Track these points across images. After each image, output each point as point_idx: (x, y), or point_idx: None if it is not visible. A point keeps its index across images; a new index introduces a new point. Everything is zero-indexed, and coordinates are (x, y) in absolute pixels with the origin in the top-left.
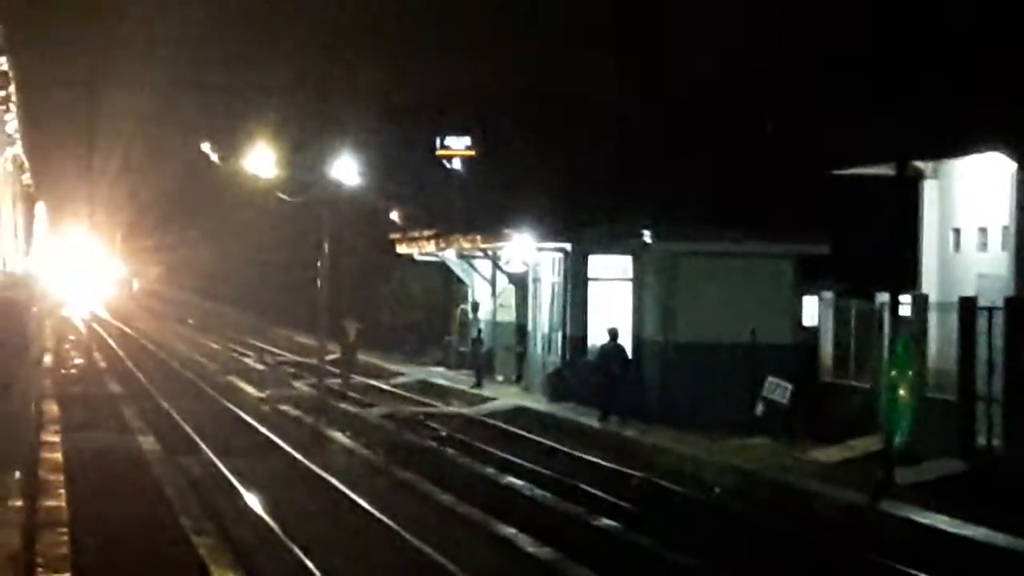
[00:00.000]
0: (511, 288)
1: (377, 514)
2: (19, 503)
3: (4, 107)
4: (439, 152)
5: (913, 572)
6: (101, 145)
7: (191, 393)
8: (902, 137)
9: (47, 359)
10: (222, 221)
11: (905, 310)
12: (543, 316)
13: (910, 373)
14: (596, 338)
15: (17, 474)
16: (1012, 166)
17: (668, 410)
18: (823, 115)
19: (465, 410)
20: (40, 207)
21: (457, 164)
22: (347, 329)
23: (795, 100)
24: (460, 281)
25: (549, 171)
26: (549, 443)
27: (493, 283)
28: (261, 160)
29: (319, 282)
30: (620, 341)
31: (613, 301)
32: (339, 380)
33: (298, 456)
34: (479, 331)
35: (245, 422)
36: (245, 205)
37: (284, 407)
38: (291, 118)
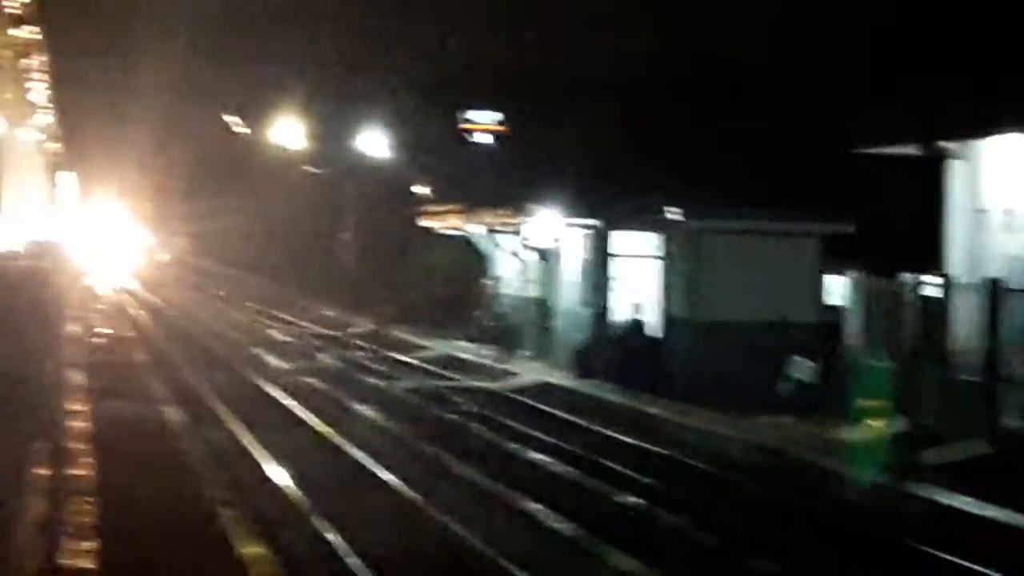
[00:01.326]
0: (537, 263)
1: (400, 486)
2: (45, 471)
3: (35, 76)
4: (461, 126)
5: (937, 553)
6: (131, 115)
7: (216, 363)
8: (928, 116)
9: (74, 328)
10: (251, 192)
11: (931, 290)
12: (569, 292)
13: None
14: (622, 314)
15: (43, 442)
16: None
17: (693, 388)
18: (849, 93)
19: (490, 385)
20: (70, 177)
21: (488, 139)
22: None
23: (822, 78)
24: (486, 256)
25: (576, 147)
26: (574, 419)
27: (519, 258)
28: (289, 132)
29: (343, 256)
30: (640, 317)
31: (640, 278)
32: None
33: (322, 428)
34: (505, 306)
35: (269, 394)
36: (274, 176)
37: (309, 379)
38: (319, 91)
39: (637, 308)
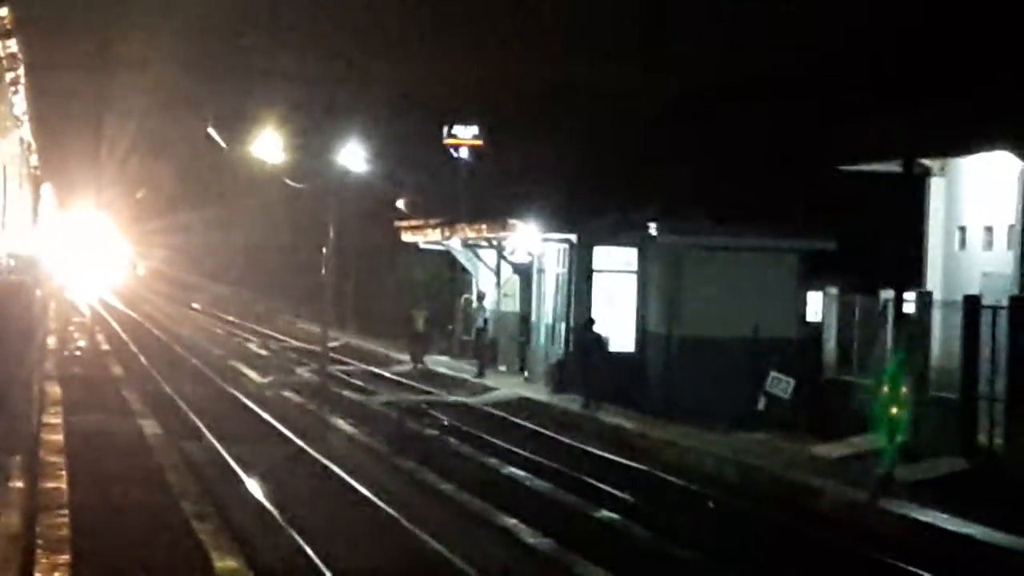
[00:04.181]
0: (515, 278)
1: (376, 501)
2: (20, 484)
3: (13, 89)
4: (446, 141)
5: (913, 570)
6: (109, 128)
7: (193, 377)
8: (909, 134)
9: (51, 341)
10: (228, 205)
11: (909, 307)
12: (547, 306)
13: (903, 387)
14: (600, 330)
15: (18, 456)
16: (1019, 165)
17: (671, 403)
18: (830, 112)
19: (467, 399)
20: (47, 189)
21: (464, 153)
22: (415, 318)
23: (803, 97)
24: (465, 270)
25: (555, 162)
26: (550, 434)
27: (498, 273)
28: (268, 145)
29: (323, 269)
30: (598, 330)
31: (617, 293)
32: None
33: (299, 443)
34: (484, 321)
35: (247, 407)
36: (252, 189)
37: (286, 393)
38: (299, 104)
39: (589, 321)
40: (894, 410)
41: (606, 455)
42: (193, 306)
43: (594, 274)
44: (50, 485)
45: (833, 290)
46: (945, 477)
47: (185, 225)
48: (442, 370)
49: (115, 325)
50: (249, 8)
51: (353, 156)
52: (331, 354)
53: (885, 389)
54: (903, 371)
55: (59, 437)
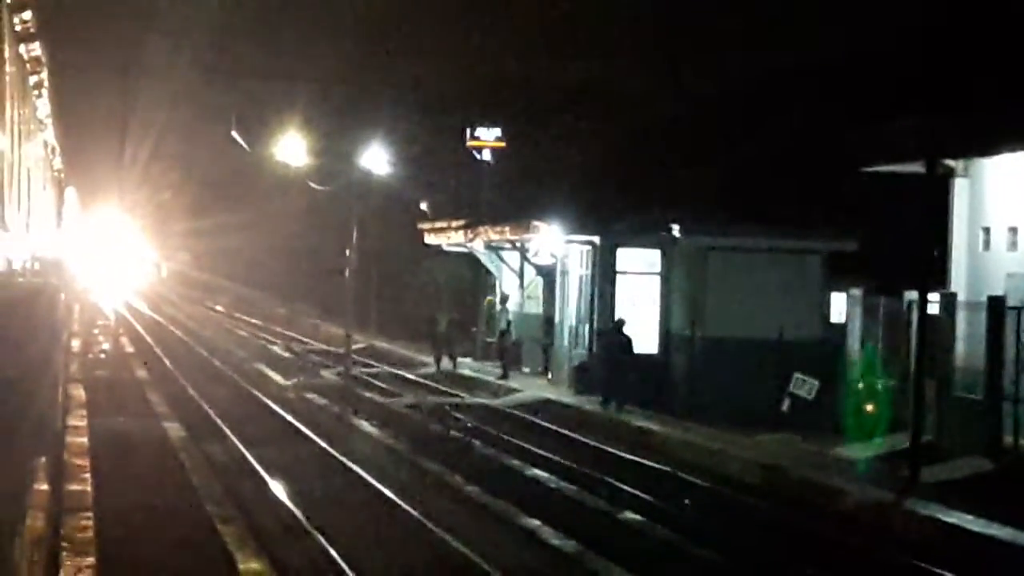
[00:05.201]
0: (539, 280)
1: (400, 503)
2: (45, 487)
3: (37, 92)
4: (469, 143)
5: (937, 571)
6: (133, 131)
7: (217, 379)
8: (932, 135)
9: (75, 343)
10: (252, 207)
11: (933, 308)
12: (570, 308)
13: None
14: (626, 332)
15: (43, 458)
16: None
17: (695, 404)
18: (854, 112)
19: (491, 401)
20: (71, 192)
21: (487, 155)
22: (439, 320)
23: (827, 97)
24: (488, 272)
25: (578, 164)
26: (574, 435)
27: (521, 275)
28: (292, 148)
29: (346, 271)
30: (627, 331)
31: (641, 295)
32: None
33: (323, 444)
34: (507, 323)
35: (270, 409)
36: (276, 192)
37: (309, 395)
38: (322, 107)
39: (619, 323)
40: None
41: (630, 456)
42: (216, 308)
43: (617, 276)
44: (75, 487)
45: (857, 291)
46: (970, 478)
47: (208, 228)
48: (466, 372)
49: (139, 327)
50: (271, 12)
51: (376, 159)
52: (354, 356)
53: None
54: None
55: (83, 439)
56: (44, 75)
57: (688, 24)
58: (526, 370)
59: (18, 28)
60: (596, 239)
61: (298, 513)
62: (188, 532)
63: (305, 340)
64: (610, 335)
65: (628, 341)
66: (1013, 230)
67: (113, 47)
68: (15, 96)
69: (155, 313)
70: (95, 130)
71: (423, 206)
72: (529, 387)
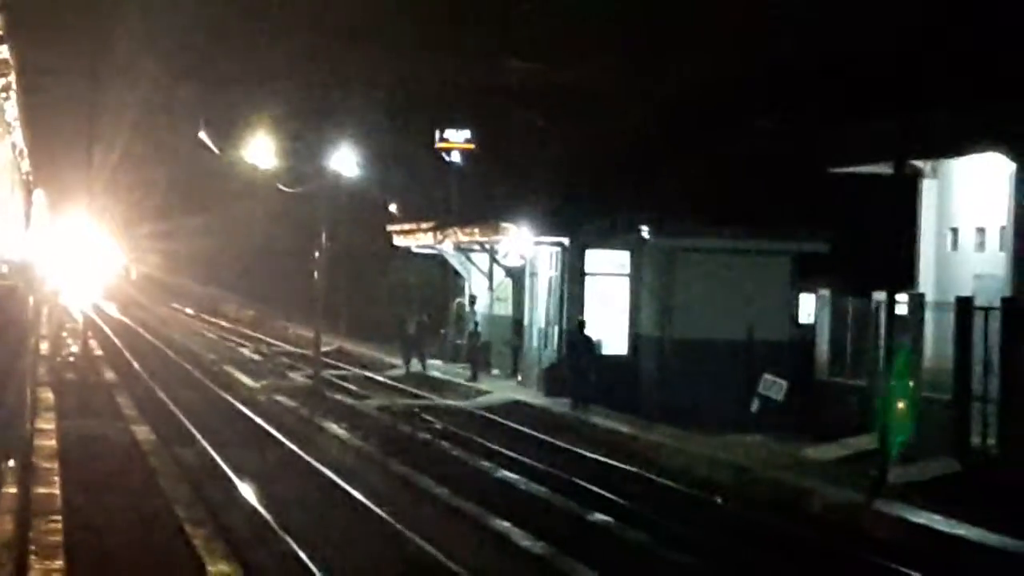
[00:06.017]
0: (508, 282)
1: (369, 505)
2: (13, 490)
3: (4, 95)
4: (438, 145)
5: (906, 571)
6: (102, 133)
7: (186, 382)
8: (901, 136)
9: (44, 346)
10: (221, 210)
11: (902, 309)
12: (540, 310)
13: (910, 383)
14: (592, 333)
15: (11, 461)
16: (1011, 166)
17: (665, 406)
18: (823, 113)
19: (460, 403)
20: (39, 195)
21: (456, 157)
22: (407, 321)
23: (795, 98)
24: (457, 274)
25: (547, 165)
26: (543, 437)
27: (490, 276)
28: (260, 150)
29: (315, 273)
30: (590, 332)
31: (610, 296)
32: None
33: (292, 447)
34: (476, 324)
35: (240, 412)
36: (244, 194)
37: (279, 397)
38: (291, 109)
39: (581, 323)
40: (900, 406)
41: (599, 458)
42: (186, 311)
43: (587, 277)
44: (43, 491)
45: (825, 292)
46: (938, 478)
47: (177, 230)
48: (435, 374)
49: (108, 330)
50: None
51: (345, 160)
52: (324, 358)
53: (891, 386)
54: (908, 369)
55: (52, 443)
56: (12, 78)
57: (657, 25)
58: (496, 372)
59: None
60: (565, 240)
61: (267, 516)
62: (157, 535)
63: (274, 342)
64: (572, 335)
65: (589, 341)
66: (981, 230)
67: (82, 50)
68: None
69: (124, 316)
70: (64, 133)
71: (392, 208)
72: (499, 389)
